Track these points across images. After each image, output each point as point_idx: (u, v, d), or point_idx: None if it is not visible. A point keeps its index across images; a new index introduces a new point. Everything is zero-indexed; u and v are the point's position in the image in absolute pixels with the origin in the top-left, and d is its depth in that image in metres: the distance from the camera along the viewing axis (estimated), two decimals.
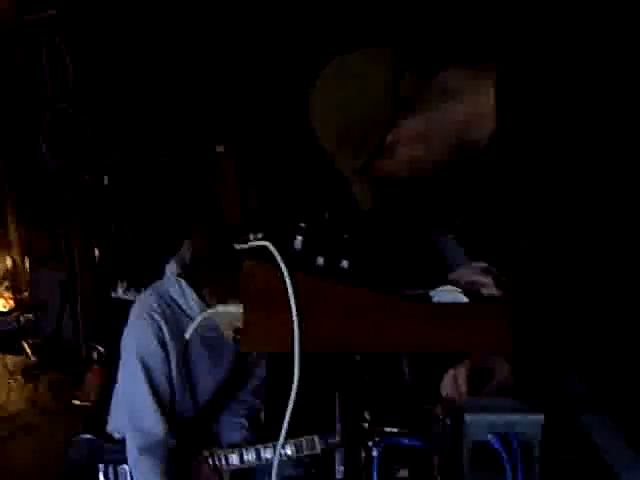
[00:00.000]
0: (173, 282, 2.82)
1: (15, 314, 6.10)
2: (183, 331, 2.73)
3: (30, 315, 5.97)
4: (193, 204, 2.84)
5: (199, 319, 1.83)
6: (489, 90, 1.61)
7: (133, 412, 2.75)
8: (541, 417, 1.50)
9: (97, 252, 5.40)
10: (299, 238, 1.63)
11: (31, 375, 5.44)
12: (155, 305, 2.78)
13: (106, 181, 5.25)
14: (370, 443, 1.72)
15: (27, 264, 6.16)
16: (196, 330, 2.70)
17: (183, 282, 2.80)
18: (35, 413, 4.96)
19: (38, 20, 5.32)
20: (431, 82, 1.67)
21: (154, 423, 2.73)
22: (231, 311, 1.70)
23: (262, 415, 3.15)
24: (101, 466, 2.88)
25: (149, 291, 2.87)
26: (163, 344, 2.75)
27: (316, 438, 2.71)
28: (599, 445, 1.68)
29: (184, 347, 2.80)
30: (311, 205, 1.80)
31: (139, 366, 2.74)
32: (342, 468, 1.88)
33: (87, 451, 2.92)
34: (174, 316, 2.79)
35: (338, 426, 2.03)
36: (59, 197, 5.57)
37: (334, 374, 1.89)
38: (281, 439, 1.70)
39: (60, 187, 5.53)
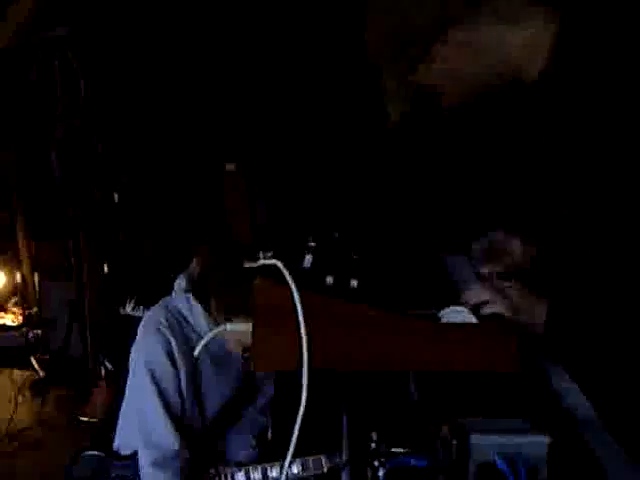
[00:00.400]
0: (182, 298, 2.83)
1: (23, 329, 6.11)
2: (191, 347, 2.76)
3: (38, 330, 5.98)
4: (202, 222, 2.86)
5: (209, 336, 1.84)
6: (546, 24, 1.58)
7: (145, 427, 2.73)
8: (547, 438, 1.50)
9: (106, 269, 5.41)
10: (308, 257, 1.65)
11: (39, 390, 5.45)
12: (164, 320, 2.78)
13: (116, 198, 5.27)
14: (376, 463, 1.72)
15: (36, 280, 6.17)
16: (205, 347, 2.76)
17: (191, 297, 2.81)
18: (42, 429, 4.96)
19: (51, 37, 5.36)
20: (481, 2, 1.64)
21: (167, 436, 2.71)
22: (241, 329, 1.71)
23: (270, 433, 3.15)
24: None
25: (158, 306, 2.88)
26: (172, 359, 2.74)
27: (323, 457, 2.71)
28: (607, 467, 1.68)
29: (192, 363, 2.80)
30: (320, 224, 1.81)
31: (149, 380, 2.72)
32: None
33: (91, 469, 2.92)
34: (182, 331, 2.79)
35: (345, 445, 2.04)
36: (69, 213, 5.59)
37: (341, 393, 1.89)
38: (288, 458, 1.70)
39: (70, 203, 5.55)
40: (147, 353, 2.77)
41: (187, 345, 2.78)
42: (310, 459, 2.72)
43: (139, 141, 5.32)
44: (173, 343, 2.75)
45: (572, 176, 1.69)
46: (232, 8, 4.98)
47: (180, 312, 2.82)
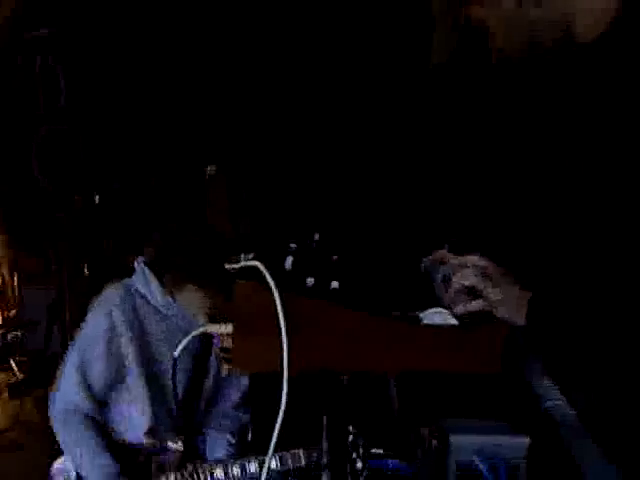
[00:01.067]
0: (139, 275, 2.94)
1: (2, 331, 6.08)
2: (142, 321, 2.89)
3: (17, 332, 5.96)
4: (182, 223, 2.90)
5: (188, 338, 1.83)
6: None
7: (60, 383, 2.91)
8: (527, 440, 1.51)
9: (87, 271, 5.39)
10: (289, 259, 1.65)
11: (17, 392, 5.42)
12: (117, 298, 2.90)
13: (97, 200, 5.25)
14: (356, 466, 1.73)
15: (15, 282, 6.15)
16: (156, 322, 2.88)
17: (146, 269, 2.93)
18: (21, 430, 4.93)
19: (32, 39, 5.34)
20: None
21: (77, 395, 2.86)
22: (221, 331, 1.71)
23: (249, 433, 3.15)
24: None
25: (116, 285, 2.98)
26: (110, 339, 2.85)
27: (301, 452, 2.71)
28: (585, 470, 1.69)
29: (144, 341, 2.89)
30: (302, 226, 1.81)
31: (76, 354, 2.87)
32: None
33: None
34: (135, 307, 2.90)
35: (325, 445, 2.03)
36: (49, 216, 5.57)
37: (321, 393, 1.89)
38: (267, 460, 1.70)
39: (51, 206, 5.53)
40: (87, 329, 2.92)
41: (138, 320, 2.89)
42: (288, 453, 2.72)
43: (120, 144, 5.30)
44: (118, 322, 2.85)
45: (564, 164, 1.69)
46: (211, 15, 4.98)
47: (136, 288, 2.93)
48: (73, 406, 2.87)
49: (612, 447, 1.69)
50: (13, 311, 6.14)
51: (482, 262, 1.68)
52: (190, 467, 2.85)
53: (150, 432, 2.90)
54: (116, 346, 2.86)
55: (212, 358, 3.00)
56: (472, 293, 1.65)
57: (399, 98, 4.12)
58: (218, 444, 3.01)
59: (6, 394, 5.49)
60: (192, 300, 2.84)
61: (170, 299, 2.89)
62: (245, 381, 3.10)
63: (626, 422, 1.67)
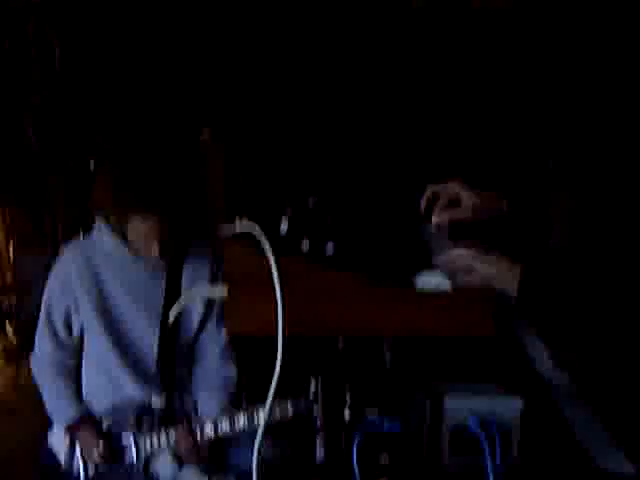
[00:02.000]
0: (95, 226, 2.97)
1: None
2: (96, 272, 2.90)
3: (13, 297, 5.96)
4: (177, 187, 2.86)
5: (181, 304, 1.84)
6: None
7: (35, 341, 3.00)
8: (520, 402, 1.52)
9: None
10: (284, 223, 1.65)
11: (13, 357, 5.44)
12: (69, 253, 2.95)
13: (92, 166, 5.23)
14: (350, 428, 1.74)
15: (11, 247, 6.14)
16: (113, 271, 2.87)
17: (98, 219, 2.92)
18: (17, 395, 4.95)
19: (25, 4, 5.30)
20: None
21: (46, 345, 2.94)
22: (216, 295, 1.72)
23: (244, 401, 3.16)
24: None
25: (72, 241, 3.06)
26: (67, 288, 2.91)
27: (289, 403, 2.72)
28: (578, 431, 1.70)
29: (99, 288, 2.91)
30: (296, 191, 1.81)
31: (43, 309, 2.95)
32: (323, 452, 1.89)
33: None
34: (89, 259, 2.92)
35: (319, 410, 2.05)
36: (44, 181, 5.56)
37: (315, 357, 1.90)
38: (263, 420, 1.71)
39: (45, 171, 5.52)
40: (48, 282, 2.98)
41: (89, 269, 2.91)
42: (275, 404, 2.71)
43: (116, 106, 5.28)
44: (72, 274, 2.90)
45: (563, 129, 1.70)
46: None
47: (93, 241, 2.95)
48: (45, 355, 2.98)
49: (603, 408, 1.70)
50: (8, 275, 6.13)
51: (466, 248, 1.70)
52: (179, 424, 2.88)
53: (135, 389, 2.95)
54: (70, 294, 2.92)
55: (189, 312, 3.00)
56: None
57: (383, 43, 4.10)
58: (207, 403, 3.02)
59: (1, 359, 5.50)
60: (141, 227, 2.79)
61: (120, 241, 2.87)
62: (223, 335, 3.09)
63: (617, 383, 1.69)
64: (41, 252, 5.65)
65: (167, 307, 2.93)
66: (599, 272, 1.56)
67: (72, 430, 2.90)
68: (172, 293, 2.93)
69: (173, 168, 2.94)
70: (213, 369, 3.05)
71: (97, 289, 2.92)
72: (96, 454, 2.84)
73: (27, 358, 3.13)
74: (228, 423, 2.80)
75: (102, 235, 2.90)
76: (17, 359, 5.35)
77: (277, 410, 2.69)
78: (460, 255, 1.66)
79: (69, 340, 2.98)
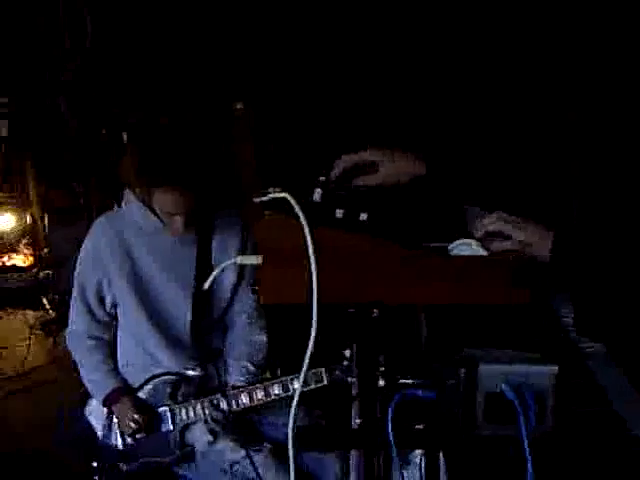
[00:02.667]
0: (124, 197, 3.03)
1: (34, 270, 6.14)
2: (126, 243, 2.96)
3: (49, 271, 6.01)
4: (200, 161, 2.86)
5: (217, 270, 1.85)
6: None
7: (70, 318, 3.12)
8: (555, 368, 1.52)
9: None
10: (318, 191, 1.65)
11: (50, 330, 5.50)
12: (99, 226, 3.03)
13: (125, 138, 5.25)
14: (385, 396, 1.74)
15: (46, 221, 6.19)
16: (142, 242, 2.95)
17: (127, 191, 2.98)
18: (54, 367, 5.01)
19: None
20: None
21: (76, 317, 3.07)
22: (251, 262, 1.72)
23: (279, 370, 3.18)
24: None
25: (102, 216, 3.13)
26: (98, 262, 2.98)
27: (323, 371, 2.73)
28: (612, 399, 1.70)
29: (131, 261, 2.98)
30: (330, 159, 1.81)
31: (76, 284, 3.05)
32: (358, 420, 1.90)
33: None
34: (119, 231, 2.97)
35: (354, 378, 2.06)
36: (77, 153, 5.59)
37: (351, 327, 1.90)
38: (298, 392, 1.72)
39: (78, 143, 5.55)
40: (79, 257, 3.06)
41: (120, 242, 2.97)
42: (310, 373, 2.73)
43: (147, 80, 5.28)
44: (103, 248, 2.97)
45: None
46: None
47: (123, 213, 3.05)
48: (80, 331, 3.06)
49: (637, 375, 1.70)
50: (44, 250, 6.18)
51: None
52: (215, 394, 2.90)
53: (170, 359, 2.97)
54: (101, 267, 2.98)
55: (221, 278, 3.01)
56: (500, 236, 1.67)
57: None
58: (236, 372, 3.04)
59: (40, 332, 5.56)
60: (164, 201, 2.79)
61: (149, 213, 2.89)
62: (251, 302, 3.10)
63: None
64: (75, 225, 5.70)
65: (199, 276, 2.95)
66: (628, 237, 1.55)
67: (109, 402, 2.94)
68: (203, 262, 2.95)
69: (196, 143, 2.94)
70: (243, 335, 3.07)
71: (129, 261, 2.95)
72: (134, 425, 2.88)
73: (64, 330, 3.18)
74: (263, 392, 2.82)
75: (131, 206, 2.92)
76: (55, 332, 5.43)
77: (312, 378, 2.71)
78: (493, 221, 1.66)
79: (103, 314, 3.02)
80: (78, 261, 3.06)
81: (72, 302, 3.08)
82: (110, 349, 3.08)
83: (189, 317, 2.97)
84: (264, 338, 3.12)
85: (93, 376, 3.03)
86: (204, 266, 2.95)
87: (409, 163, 1.88)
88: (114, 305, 3.04)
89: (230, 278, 3.02)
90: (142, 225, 2.93)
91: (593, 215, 1.66)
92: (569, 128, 1.77)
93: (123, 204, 3.02)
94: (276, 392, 2.84)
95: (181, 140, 2.90)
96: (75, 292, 3.05)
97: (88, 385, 3.06)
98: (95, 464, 3.02)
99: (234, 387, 2.93)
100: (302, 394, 1.77)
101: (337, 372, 2.70)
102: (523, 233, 1.63)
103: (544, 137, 1.88)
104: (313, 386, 2.76)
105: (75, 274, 3.06)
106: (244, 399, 2.87)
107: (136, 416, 2.89)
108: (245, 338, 3.09)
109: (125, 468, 2.95)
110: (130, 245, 2.96)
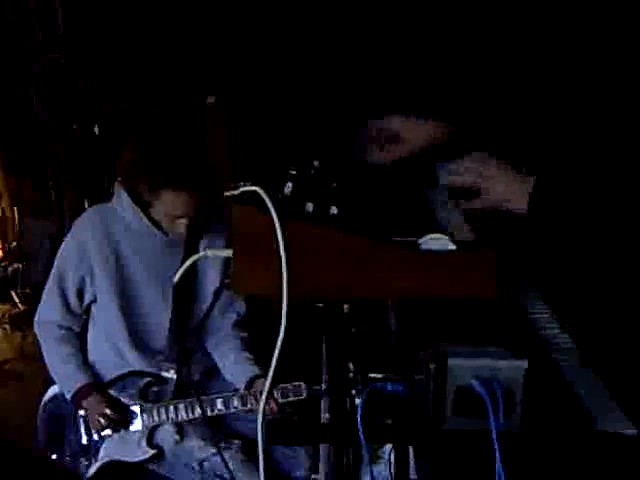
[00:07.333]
0: (114, 194, 2.94)
1: (3, 264, 6.09)
2: (115, 241, 2.92)
3: (19, 265, 5.97)
4: (154, 142, 2.83)
5: (187, 264, 1.84)
6: None
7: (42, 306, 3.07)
8: (524, 363, 1.52)
9: (87, 203, 5.38)
10: (289, 184, 1.65)
11: (19, 324, 5.46)
12: (87, 220, 2.98)
13: (97, 131, 5.22)
14: (354, 390, 1.74)
15: (16, 214, 6.14)
16: (130, 241, 2.89)
17: (116, 185, 2.92)
18: (22, 362, 4.98)
19: None
20: None
21: (55, 310, 3.00)
22: (222, 254, 1.72)
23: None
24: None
25: (91, 209, 3.10)
26: (84, 258, 2.92)
27: (302, 385, 2.75)
28: (580, 393, 1.71)
29: (117, 260, 2.93)
30: (301, 154, 1.81)
31: (56, 276, 2.99)
32: (327, 415, 1.90)
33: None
34: (107, 228, 2.92)
35: (324, 372, 2.06)
36: (49, 147, 5.54)
37: (321, 323, 1.91)
38: (267, 385, 1.72)
39: (50, 138, 5.50)
40: (62, 251, 3.02)
41: (109, 241, 2.92)
42: (289, 386, 2.77)
43: (120, 73, 5.25)
44: (90, 244, 2.91)
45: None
46: None
47: (112, 210, 2.94)
48: (51, 321, 3.02)
49: (606, 371, 1.71)
50: (14, 243, 6.13)
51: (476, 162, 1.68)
52: (190, 399, 2.89)
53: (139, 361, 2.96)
54: (86, 264, 2.93)
55: (204, 282, 3.00)
56: (469, 193, 1.67)
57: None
58: (232, 370, 3.04)
59: (8, 326, 5.52)
60: (172, 203, 2.77)
61: (142, 215, 2.85)
62: (242, 305, 3.11)
63: (620, 347, 1.69)
64: (46, 220, 5.67)
65: (182, 280, 2.93)
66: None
67: (79, 397, 2.92)
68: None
69: (197, 141, 2.92)
70: (233, 333, 3.07)
71: (114, 258, 2.91)
72: (103, 421, 2.86)
73: (33, 325, 3.14)
74: (240, 402, 2.82)
75: (122, 202, 2.87)
76: (24, 326, 5.39)
77: (291, 391, 2.74)
78: (461, 173, 1.65)
79: (78, 307, 2.98)
80: (61, 249, 3.01)
81: (47, 289, 3.02)
82: (79, 341, 3.04)
83: (167, 319, 2.95)
84: (247, 335, 3.14)
85: (63, 369, 3.00)
86: (189, 270, 2.94)
87: (431, 129, 1.87)
88: (92, 301, 3.00)
89: (213, 281, 3.00)
90: (132, 224, 2.88)
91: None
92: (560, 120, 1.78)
93: (114, 200, 2.94)
94: (252, 402, 2.85)
95: (188, 139, 2.87)
96: (52, 280, 2.99)
97: (56, 377, 3.03)
98: (55, 457, 3.01)
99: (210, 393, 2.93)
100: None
101: (315, 386, 2.72)
102: (497, 186, 1.64)
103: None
104: (292, 398, 2.78)
105: (56, 262, 3.01)
106: (219, 405, 2.87)
107: (107, 411, 2.87)
108: (235, 335, 3.10)
109: (86, 464, 2.94)
110: (117, 242, 2.91)
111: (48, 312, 3.02)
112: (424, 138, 1.87)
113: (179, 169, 2.70)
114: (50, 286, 3.00)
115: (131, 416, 2.94)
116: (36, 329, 3.08)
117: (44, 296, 3.04)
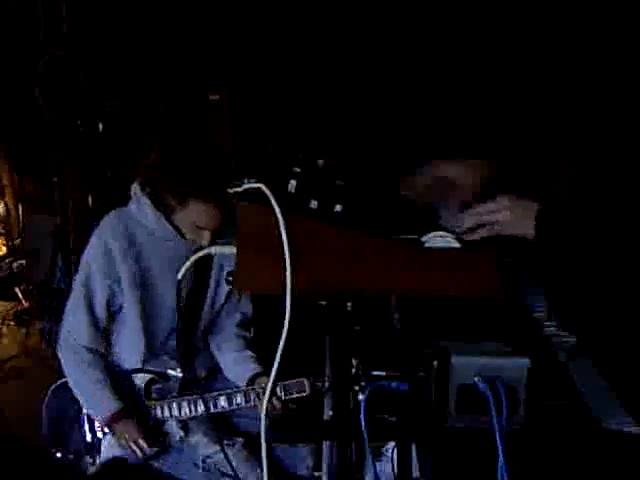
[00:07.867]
0: (133, 196, 2.87)
1: (8, 260, 6.10)
2: (138, 247, 2.84)
3: (23, 261, 5.98)
4: (186, 151, 2.80)
5: (192, 260, 1.85)
6: None
7: (67, 315, 2.94)
8: (527, 361, 1.52)
9: (91, 200, 5.38)
10: (293, 182, 1.65)
11: (23, 321, 5.47)
12: (109, 227, 2.86)
13: (101, 128, 5.22)
14: (357, 387, 1.75)
15: (20, 211, 6.15)
16: (153, 247, 2.83)
17: (137, 189, 2.84)
18: (26, 358, 4.98)
19: None
20: None
21: (84, 331, 2.89)
22: (226, 252, 1.72)
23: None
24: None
25: (111, 213, 2.92)
26: (111, 267, 2.84)
27: (305, 381, 2.75)
28: (583, 391, 1.71)
29: (140, 267, 2.86)
30: (306, 152, 1.81)
31: (82, 288, 2.87)
32: (330, 412, 1.90)
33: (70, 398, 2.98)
34: (129, 233, 2.84)
35: (327, 370, 2.06)
36: (53, 144, 5.54)
37: (325, 320, 1.91)
38: (270, 382, 1.73)
39: (54, 134, 5.50)
40: (87, 260, 2.89)
41: (132, 247, 2.84)
42: (293, 382, 2.76)
43: (124, 70, 5.25)
44: (115, 250, 2.82)
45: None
46: None
47: (130, 213, 2.86)
48: (82, 343, 2.90)
49: (609, 369, 1.71)
50: (18, 240, 6.14)
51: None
52: (194, 396, 2.89)
53: (145, 360, 2.94)
54: (113, 272, 2.84)
55: (211, 281, 2.99)
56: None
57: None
58: (233, 369, 3.04)
59: (12, 322, 5.53)
60: (199, 214, 2.72)
61: (164, 221, 2.80)
62: (247, 306, 3.12)
63: (623, 345, 1.69)
64: (50, 217, 5.67)
65: (197, 282, 2.93)
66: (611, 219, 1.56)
67: (110, 421, 2.87)
68: (201, 271, 2.92)
69: (219, 148, 2.88)
70: (236, 332, 3.07)
71: (138, 265, 2.84)
72: (136, 448, 2.83)
73: (37, 323, 3.10)
74: (243, 398, 2.82)
75: (143, 207, 2.81)
76: (28, 323, 5.40)
77: (294, 387, 2.73)
78: (470, 217, 1.67)
79: (106, 322, 2.91)
80: (85, 261, 2.90)
81: (72, 308, 2.92)
82: (104, 362, 2.98)
83: (178, 321, 2.92)
84: (249, 334, 3.15)
85: (92, 394, 2.92)
86: (204, 274, 2.94)
87: (480, 169, 1.88)
88: (116, 311, 2.95)
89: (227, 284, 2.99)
90: (155, 231, 2.84)
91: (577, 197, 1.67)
92: (560, 126, 1.78)
93: (132, 205, 2.90)
94: (255, 398, 2.85)
95: (219, 148, 2.83)
96: (78, 297, 2.89)
97: (84, 401, 2.95)
98: (59, 454, 3.01)
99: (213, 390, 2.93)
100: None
101: (318, 383, 2.72)
102: (502, 215, 1.64)
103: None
104: (295, 395, 2.77)
105: (82, 277, 2.89)
106: (222, 402, 2.87)
107: (141, 442, 2.84)
108: (238, 334, 3.10)
109: (90, 461, 2.94)
110: (140, 248, 2.85)
111: (75, 334, 2.91)
112: (478, 180, 1.88)
113: (210, 180, 2.66)
114: (76, 304, 2.90)
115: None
116: (61, 353, 2.96)
117: (68, 316, 2.94)
